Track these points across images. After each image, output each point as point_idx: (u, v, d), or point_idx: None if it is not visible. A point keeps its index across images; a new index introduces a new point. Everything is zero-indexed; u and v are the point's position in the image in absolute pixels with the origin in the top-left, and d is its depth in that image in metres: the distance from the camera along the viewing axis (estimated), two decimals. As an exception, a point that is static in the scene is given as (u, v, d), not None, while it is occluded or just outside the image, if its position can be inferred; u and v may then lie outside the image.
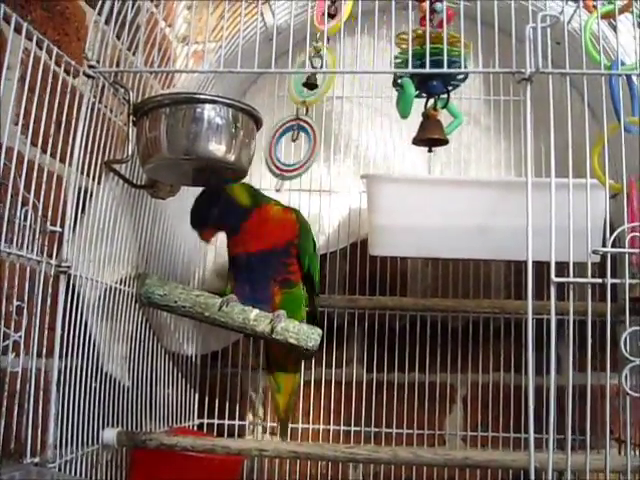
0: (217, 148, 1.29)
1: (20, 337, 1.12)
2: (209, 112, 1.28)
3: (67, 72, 1.31)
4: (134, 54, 1.32)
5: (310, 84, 1.55)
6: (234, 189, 1.54)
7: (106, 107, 1.41)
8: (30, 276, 1.15)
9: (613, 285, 1.12)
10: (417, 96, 1.40)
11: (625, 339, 1.09)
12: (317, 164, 1.90)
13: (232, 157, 1.31)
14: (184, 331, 1.81)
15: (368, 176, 1.64)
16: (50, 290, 1.20)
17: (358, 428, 1.89)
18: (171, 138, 1.27)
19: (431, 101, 1.43)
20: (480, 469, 1.80)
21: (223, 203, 1.51)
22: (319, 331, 1.52)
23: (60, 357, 1.21)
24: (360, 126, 1.93)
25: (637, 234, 1.11)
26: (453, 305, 1.77)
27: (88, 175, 1.32)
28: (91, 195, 1.39)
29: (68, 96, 1.27)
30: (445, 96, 1.41)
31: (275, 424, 1.89)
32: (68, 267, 1.20)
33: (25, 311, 1.14)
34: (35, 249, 1.16)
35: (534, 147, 1.68)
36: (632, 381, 1.68)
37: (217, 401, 1.89)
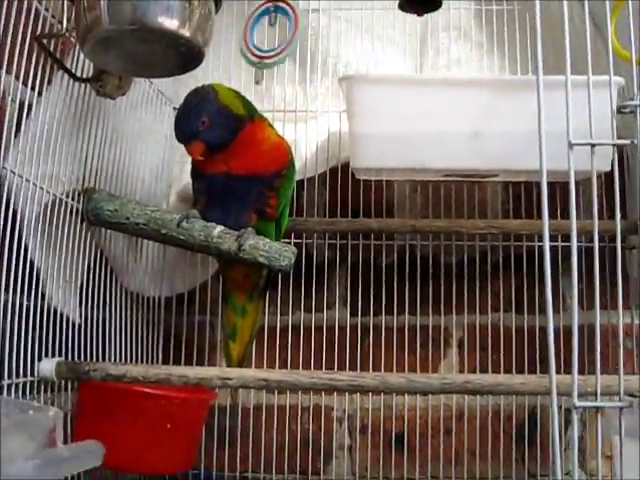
0: (168, 18, 1.08)
1: None
2: (158, -23, 1.08)
3: None
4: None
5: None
6: (225, 94, 1.32)
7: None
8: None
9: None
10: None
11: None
12: (292, 84, 1.71)
13: (187, 32, 1.10)
14: (145, 268, 1.61)
15: (347, 77, 1.45)
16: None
17: (343, 378, 1.68)
18: (114, 6, 1.07)
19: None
20: (481, 411, 1.63)
21: (215, 111, 1.28)
22: (293, 249, 1.31)
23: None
24: (338, 41, 1.73)
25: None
26: (446, 226, 1.56)
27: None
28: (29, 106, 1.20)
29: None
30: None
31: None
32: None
33: None
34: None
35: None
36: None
37: (184, 350, 1.69)
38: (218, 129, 1.29)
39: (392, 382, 1.15)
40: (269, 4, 1.46)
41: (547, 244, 0.90)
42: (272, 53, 1.44)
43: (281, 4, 1.44)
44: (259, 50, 1.46)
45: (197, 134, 1.27)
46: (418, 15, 1.28)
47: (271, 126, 1.42)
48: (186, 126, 1.28)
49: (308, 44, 1.73)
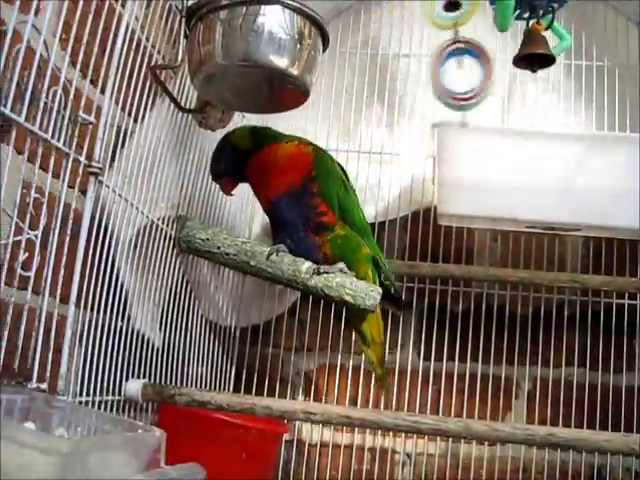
0: (279, 57, 1.12)
1: (36, 237, 0.93)
2: (272, 17, 1.12)
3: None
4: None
5: (453, 3, 1.37)
6: (235, 134, 1.42)
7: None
8: (54, 168, 0.95)
9: None
10: (518, 17, 1.23)
11: None
12: (378, 127, 1.74)
13: (295, 70, 1.14)
14: (224, 297, 1.63)
15: (440, 125, 1.47)
16: (75, 202, 1.02)
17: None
18: (227, 43, 1.11)
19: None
20: (548, 467, 1.60)
21: (224, 150, 1.40)
22: (379, 289, 1.32)
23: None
24: (427, 87, 1.74)
25: None
26: (528, 277, 1.56)
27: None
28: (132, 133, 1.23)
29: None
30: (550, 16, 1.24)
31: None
32: (100, 169, 1.02)
33: (44, 208, 0.95)
34: (62, 138, 0.96)
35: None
36: None
37: (255, 380, 1.70)
38: (228, 165, 1.40)
39: (475, 429, 1.14)
40: (451, 47, 1.48)
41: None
42: (469, 95, 1.46)
43: (465, 45, 1.45)
44: (455, 93, 1.48)
45: (218, 174, 1.42)
46: (532, 71, 1.29)
47: (296, 140, 1.41)
48: (211, 169, 1.42)
49: (396, 88, 1.76)
